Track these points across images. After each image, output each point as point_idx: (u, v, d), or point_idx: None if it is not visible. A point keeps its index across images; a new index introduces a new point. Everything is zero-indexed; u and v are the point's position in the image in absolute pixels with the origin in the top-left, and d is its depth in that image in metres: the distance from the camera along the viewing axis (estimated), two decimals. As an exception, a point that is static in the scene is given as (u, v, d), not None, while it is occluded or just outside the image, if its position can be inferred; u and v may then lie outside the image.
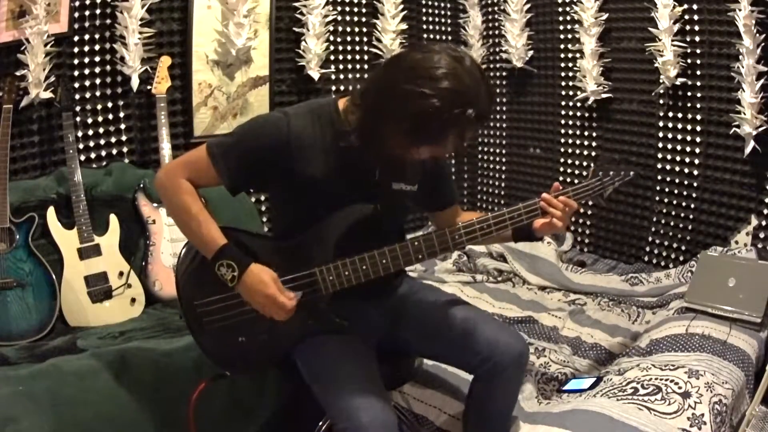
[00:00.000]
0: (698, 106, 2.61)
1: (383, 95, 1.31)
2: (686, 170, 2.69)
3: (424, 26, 3.53)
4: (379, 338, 1.57)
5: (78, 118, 2.45)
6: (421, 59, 1.28)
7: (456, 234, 1.44)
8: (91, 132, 2.51)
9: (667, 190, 2.78)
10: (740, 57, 2.35)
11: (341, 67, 3.17)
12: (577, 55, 3.04)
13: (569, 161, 3.22)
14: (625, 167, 1.65)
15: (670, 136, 2.74)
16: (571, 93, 3.14)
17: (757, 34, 2.28)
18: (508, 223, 1.47)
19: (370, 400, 1.34)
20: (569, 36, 3.09)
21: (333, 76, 3.12)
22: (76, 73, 2.44)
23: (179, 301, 1.50)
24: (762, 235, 2.45)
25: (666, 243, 2.83)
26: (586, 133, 3.11)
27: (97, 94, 2.50)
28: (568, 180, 3.23)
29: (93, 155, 2.52)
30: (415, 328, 1.56)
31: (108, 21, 2.47)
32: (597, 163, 1.68)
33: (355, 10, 3.19)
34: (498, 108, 3.57)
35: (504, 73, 3.47)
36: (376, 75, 1.39)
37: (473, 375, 1.53)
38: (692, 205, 2.70)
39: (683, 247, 2.76)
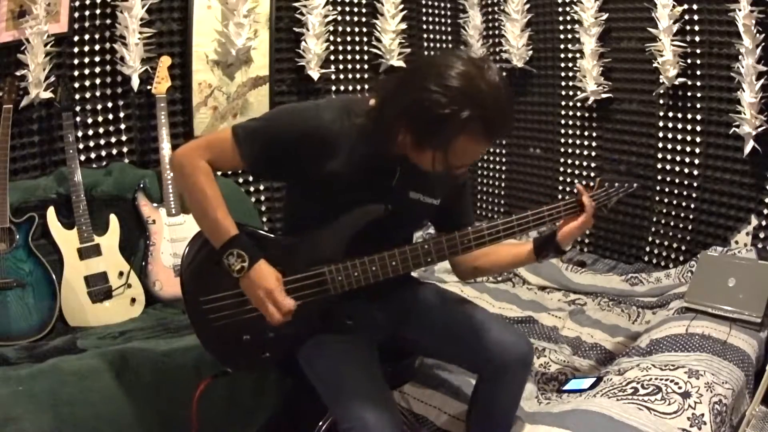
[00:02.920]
0: (698, 106, 2.61)
1: (396, 87, 1.32)
2: (686, 170, 2.69)
3: (424, 26, 3.53)
4: (382, 338, 1.57)
5: (78, 118, 2.45)
6: (440, 59, 1.29)
7: (465, 238, 1.43)
8: (91, 132, 2.51)
9: (667, 190, 2.78)
10: (740, 57, 2.34)
11: (341, 67, 3.17)
12: (577, 55, 3.04)
13: (569, 161, 3.22)
14: (628, 179, 1.66)
15: (670, 136, 2.74)
16: (571, 93, 3.14)
17: (757, 34, 2.28)
18: (516, 230, 1.46)
19: (375, 400, 1.34)
20: (569, 36, 3.09)
21: (333, 76, 3.12)
22: (76, 73, 2.44)
23: (183, 297, 1.48)
24: (762, 235, 2.45)
25: (666, 243, 2.83)
26: (586, 133, 3.11)
27: (97, 94, 2.51)
28: (568, 180, 3.23)
29: (93, 155, 2.52)
30: (421, 327, 1.55)
31: (108, 21, 2.47)
32: (603, 174, 1.70)
33: (355, 10, 3.19)
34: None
35: (504, 73, 3.46)
36: (400, 70, 1.39)
37: (478, 375, 1.53)
38: (692, 205, 2.70)
39: (683, 247, 2.76)
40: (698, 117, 2.62)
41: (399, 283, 1.62)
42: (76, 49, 2.42)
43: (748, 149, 2.38)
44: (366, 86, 3.22)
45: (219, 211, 1.37)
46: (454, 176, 1.45)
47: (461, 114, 1.21)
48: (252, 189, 2.99)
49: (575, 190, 1.55)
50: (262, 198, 3.04)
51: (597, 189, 1.63)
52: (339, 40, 3.14)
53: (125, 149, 2.60)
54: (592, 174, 3.08)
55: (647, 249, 2.91)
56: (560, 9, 3.11)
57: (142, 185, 2.37)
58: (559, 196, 3.24)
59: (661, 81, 2.66)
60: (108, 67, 2.51)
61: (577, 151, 3.17)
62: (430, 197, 1.50)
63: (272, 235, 1.53)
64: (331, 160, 1.38)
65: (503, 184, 3.61)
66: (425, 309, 1.57)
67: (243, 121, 1.43)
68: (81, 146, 2.47)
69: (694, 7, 2.51)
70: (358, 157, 1.38)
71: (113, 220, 2.26)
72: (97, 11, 2.45)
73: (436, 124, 1.24)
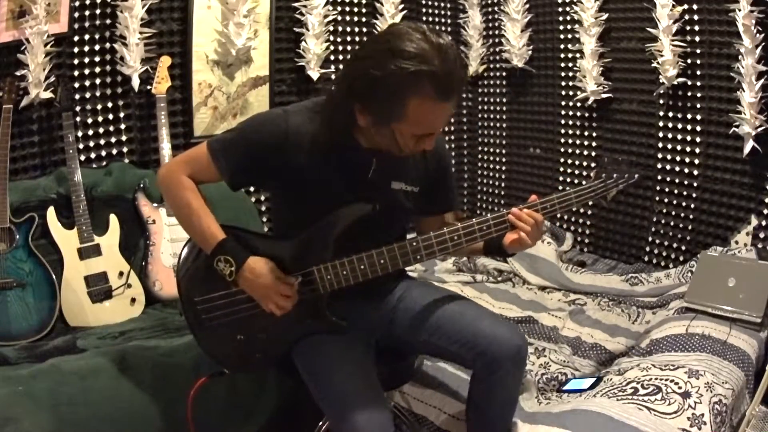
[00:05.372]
0: (698, 106, 2.61)
1: (344, 68, 1.34)
2: (686, 170, 2.69)
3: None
4: (377, 338, 1.57)
5: (78, 118, 2.45)
6: (382, 31, 1.31)
7: (455, 234, 1.42)
8: (91, 132, 2.51)
9: (667, 190, 2.78)
10: (740, 57, 2.35)
11: (341, 67, 3.17)
12: (577, 55, 3.04)
13: (569, 161, 3.22)
14: (628, 169, 1.63)
15: (670, 136, 2.74)
16: (571, 93, 3.14)
17: (757, 34, 2.28)
18: (508, 226, 1.45)
19: (366, 400, 1.34)
20: (569, 36, 3.09)
21: (333, 76, 3.12)
22: (76, 73, 2.44)
23: (179, 298, 1.51)
24: (762, 235, 2.45)
25: (666, 243, 2.83)
26: (586, 133, 3.11)
27: (97, 94, 2.50)
28: (568, 180, 3.23)
29: (93, 155, 2.52)
30: (411, 323, 1.54)
31: (108, 21, 2.47)
32: (600, 164, 1.67)
33: (355, 10, 3.20)
34: (498, 108, 3.57)
35: (504, 73, 3.48)
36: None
37: (471, 370, 1.53)
38: (692, 205, 2.70)
39: (683, 247, 2.76)
40: (698, 117, 2.62)
41: (393, 281, 1.62)
42: (76, 49, 2.42)
43: (747, 149, 2.38)
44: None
45: (204, 220, 1.41)
46: (427, 153, 1.45)
47: (405, 71, 1.20)
48: (252, 189, 2.99)
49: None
50: (262, 198, 3.03)
51: (594, 180, 1.61)
52: (339, 40, 3.15)
53: (125, 149, 2.60)
54: (592, 175, 3.08)
55: (647, 249, 2.91)
56: (560, 9, 3.11)
57: (142, 185, 2.37)
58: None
59: (661, 81, 2.66)
60: (108, 67, 2.51)
61: (577, 151, 3.17)
62: (411, 185, 1.50)
63: (263, 237, 1.53)
64: (306, 163, 1.39)
65: (503, 184, 3.61)
66: (417, 304, 1.55)
67: (217, 135, 1.45)
68: (81, 146, 2.47)
69: (694, 7, 2.51)
70: (331, 154, 1.40)
71: (113, 220, 2.26)
72: (97, 11, 2.45)
73: (383, 89, 1.23)
